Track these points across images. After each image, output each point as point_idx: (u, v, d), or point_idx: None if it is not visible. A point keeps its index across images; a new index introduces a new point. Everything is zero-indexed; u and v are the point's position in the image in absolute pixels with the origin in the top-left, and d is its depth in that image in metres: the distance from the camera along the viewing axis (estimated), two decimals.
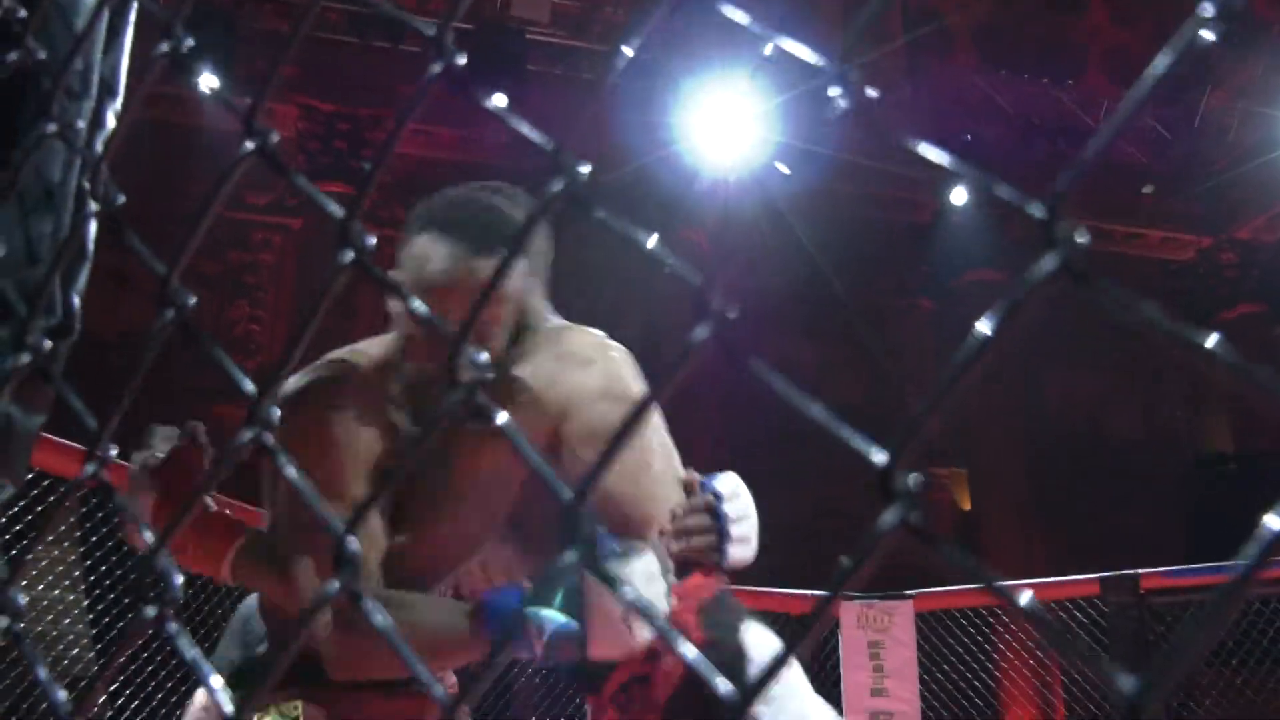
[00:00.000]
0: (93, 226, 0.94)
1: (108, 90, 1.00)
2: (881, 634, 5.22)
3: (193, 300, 0.55)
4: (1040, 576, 5.73)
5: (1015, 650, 5.72)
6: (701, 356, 0.39)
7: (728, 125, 7.40)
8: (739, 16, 0.43)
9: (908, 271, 9.79)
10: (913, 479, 0.35)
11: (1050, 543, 8.67)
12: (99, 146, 0.89)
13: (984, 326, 0.35)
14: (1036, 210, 0.34)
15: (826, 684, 5.36)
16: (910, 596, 5.23)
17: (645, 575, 1.36)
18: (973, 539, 8.67)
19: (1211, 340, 0.34)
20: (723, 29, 7.05)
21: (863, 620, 5.24)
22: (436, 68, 0.49)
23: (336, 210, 0.51)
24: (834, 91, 0.39)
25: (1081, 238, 0.34)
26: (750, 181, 8.03)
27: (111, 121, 1.00)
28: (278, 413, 0.50)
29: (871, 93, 0.39)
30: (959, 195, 8.59)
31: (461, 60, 0.49)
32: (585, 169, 0.45)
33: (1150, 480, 9.49)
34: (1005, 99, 8.90)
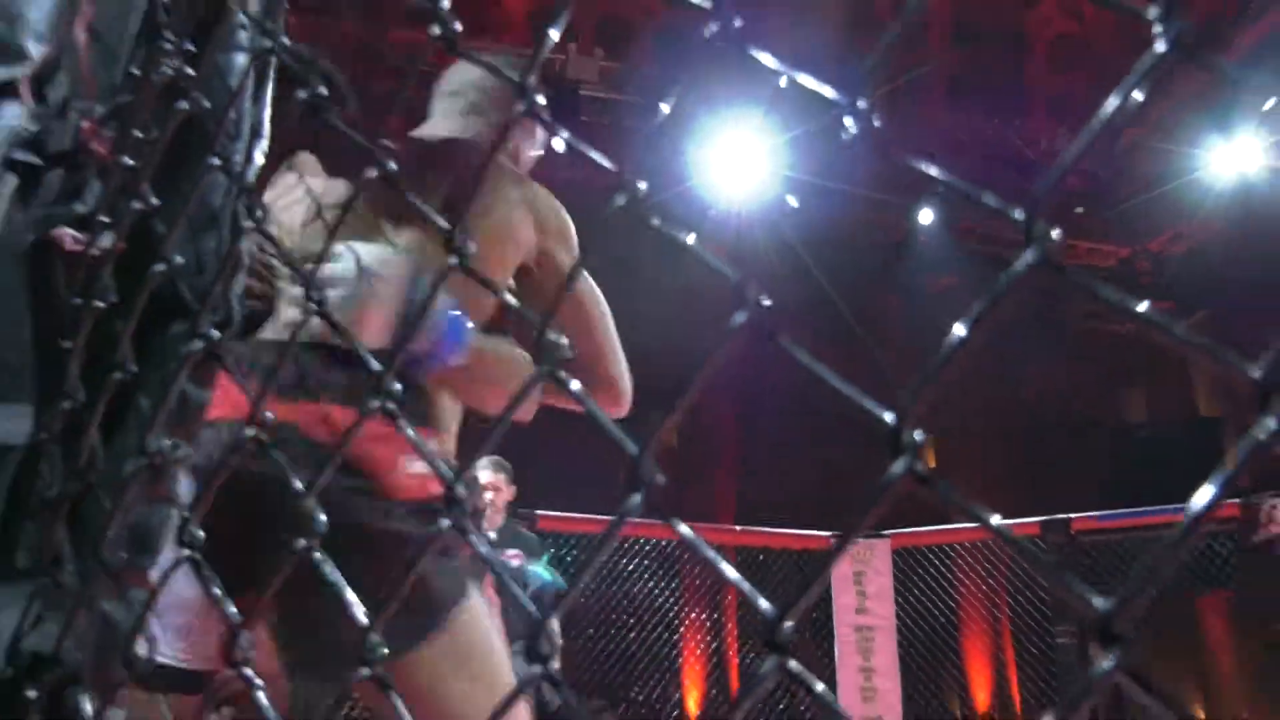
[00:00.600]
0: (247, 242, 0.94)
1: (255, 133, 1.00)
2: (864, 565, 5.20)
3: (325, 295, 0.55)
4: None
5: (971, 578, 5.67)
6: (737, 340, 0.38)
7: (740, 160, 7.28)
8: (767, 60, 0.42)
9: (885, 279, 9.68)
10: (917, 434, 0.34)
11: (998, 495, 8.56)
12: (251, 178, 0.89)
13: (973, 311, 0.34)
14: (1017, 213, 0.33)
15: (820, 604, 5.34)
16: (887, 535, 5.20)
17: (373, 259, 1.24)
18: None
19: (1161, 316, 0.32)
20: (736, 68, 6.97)
21: (849, 555, 5.21)
22: (520, 106, 0.48)
23: (443, 224, 0.51)
24: (847, 121, 0.38)
25: (1055, 235, 0.33)
26: (760, 212, 7.93)
27: (259, 158, 1.00)
28: (399, 386, 0.49)
29: (878, 123, 0.38)
30: (925, 216, 8.50)
31: (541, 99, 0.48)
32: (643, 185, 0.44)
33: (1076, 444, 9.36)
34: (966, 136, 8.77)
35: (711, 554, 0.34)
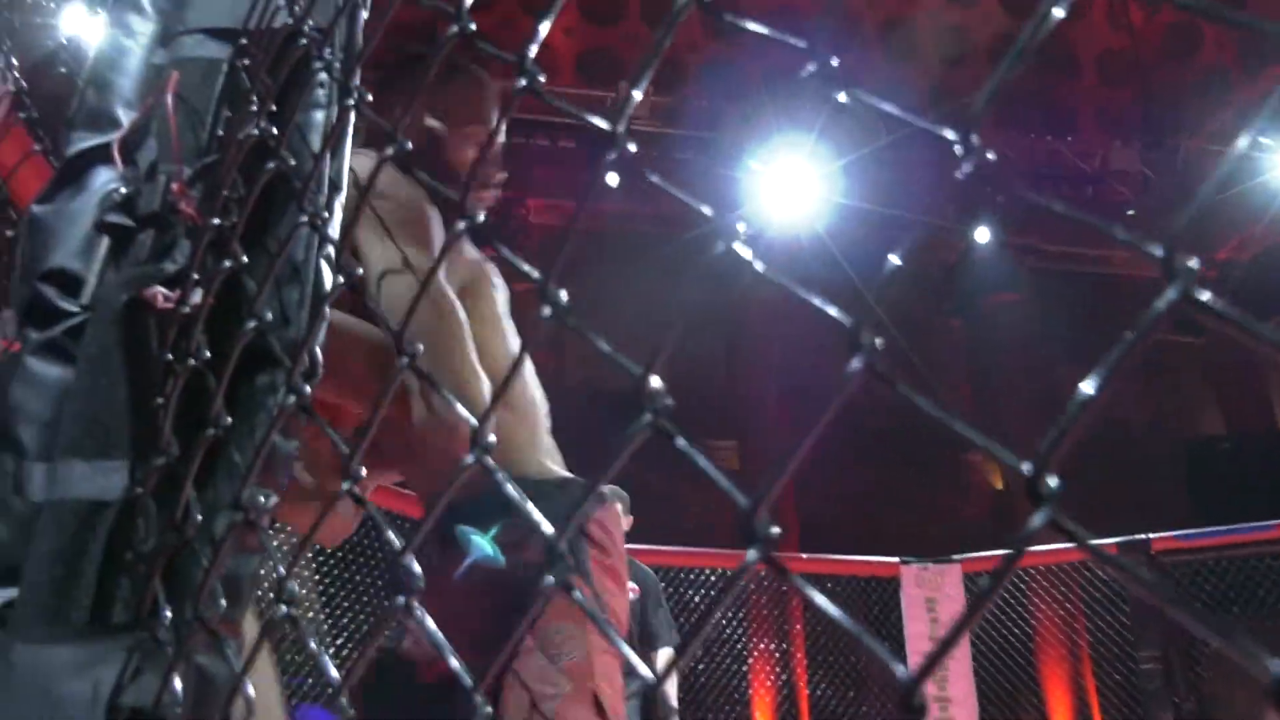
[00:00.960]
0: (328, 292, 0.95)
1: (334, 186, 1.02)
2: (935, 592, 5.07)
3: (420, 349, 0.54)
4: (1062, 541, 5.48)
5: (1046, 603, 5.49)
6: (856, 384, 0.36)
7: (790, 186, 7.23)
8: (866, 99, 0.40)
9: (942, 298, 9.54)
10: (1055, 483, 0.32)
11: (1071, 512, 8.29)
12: (332, 231, 0.90)
13: (1111, 356, 0.32)
14: (1156, 249, 0.31)
15: (893, 632, 5.22)
16: (958, 560, 5.07)
17: None
18: (1007, 513, 8.37)
19: None
20: (787, 95, 6.96)
21: (920, 581, 5.10)
22: (612, 155, 0.47)
23: (533, 274, 0.50)
24: (959, 151, 0.36)
25: (1193, 265, 0.31)
26: (811, 237, 7.87)
27: (338, 211, 1.02)
28: (493, 438, 0.49)
29: (991, 155, 0.36)
30: (982, 234, 8.36)
31: (632, 147, 0.47)
32: (742, 227, 0.43)
33: (1154, 459, 9.06)
34: (1016, 154, 8.64)
35: (842, 617, 0.33)
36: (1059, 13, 0.34)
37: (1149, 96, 8.94)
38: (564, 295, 0.48)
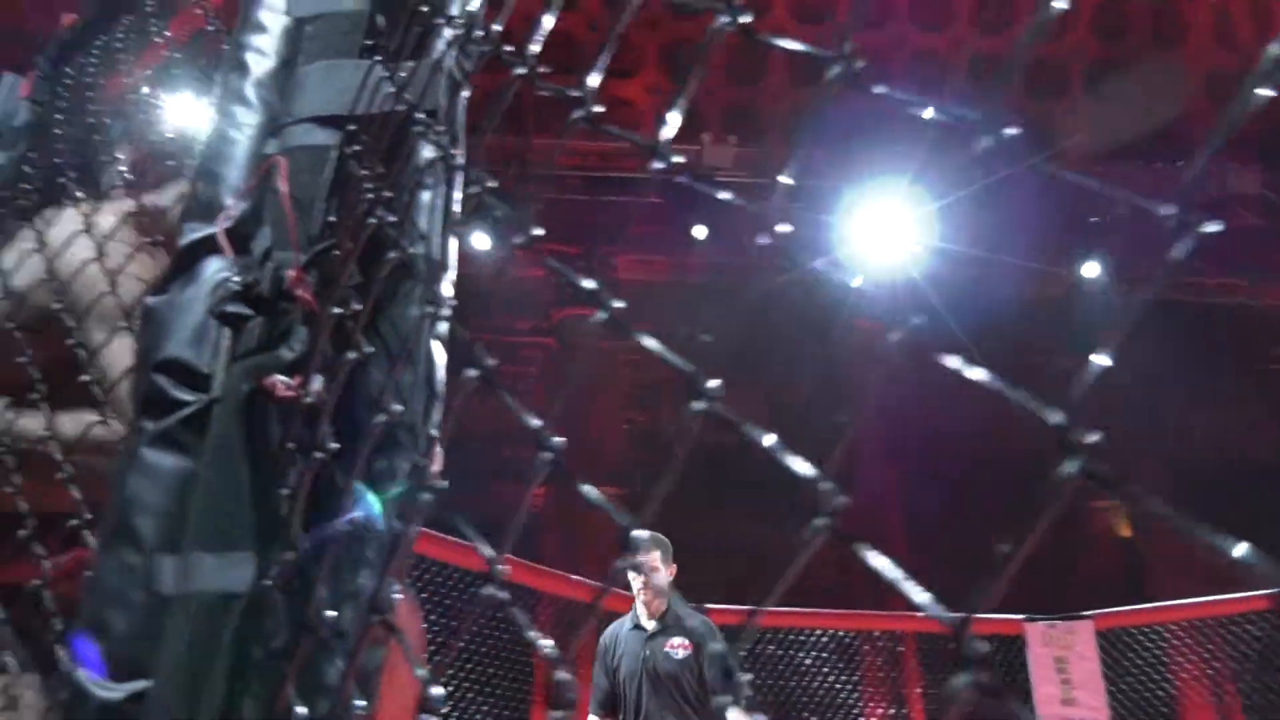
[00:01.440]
0: (441, 376, 0.96)
1: (443, 267, 1.03)
2: (1066, 650, 4.82)
3: (562, 441, 0.53)
4: (1204, 594, 5.17)
5: (1191, 663, 5.16)
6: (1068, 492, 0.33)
7: (887, 229, 7.16)
8: (1092, 185, 0.38)
9: (1049, 336, 9.24)
10: None
11: (1209, 563, 7.81)
12: (445, 312, 0.91)
13: None
14: None
15: (1019, 695, 4.98)
16: (1090, 616, 4.82)
17: None
18: (1136, 563, 7.96)
19: None
20: (882, 140, 6.91)
21: (1047, 639, 4.86)
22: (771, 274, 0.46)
23: (684, 367, 0.49)
24: (1173, 225, 0.34)
25: None
26: (908, 279, 7.75)
27: (449, 289, 1.03)
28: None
29: (1212, 227, 0.33)
30: (1091, 269, 8.11)
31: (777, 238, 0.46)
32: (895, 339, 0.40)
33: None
34: (1124, 181, 8.38)
35: None
36: (1266, 92, 0.32)
37: (1262, 117, 8.59)
38: (717, 384, 0.47)
